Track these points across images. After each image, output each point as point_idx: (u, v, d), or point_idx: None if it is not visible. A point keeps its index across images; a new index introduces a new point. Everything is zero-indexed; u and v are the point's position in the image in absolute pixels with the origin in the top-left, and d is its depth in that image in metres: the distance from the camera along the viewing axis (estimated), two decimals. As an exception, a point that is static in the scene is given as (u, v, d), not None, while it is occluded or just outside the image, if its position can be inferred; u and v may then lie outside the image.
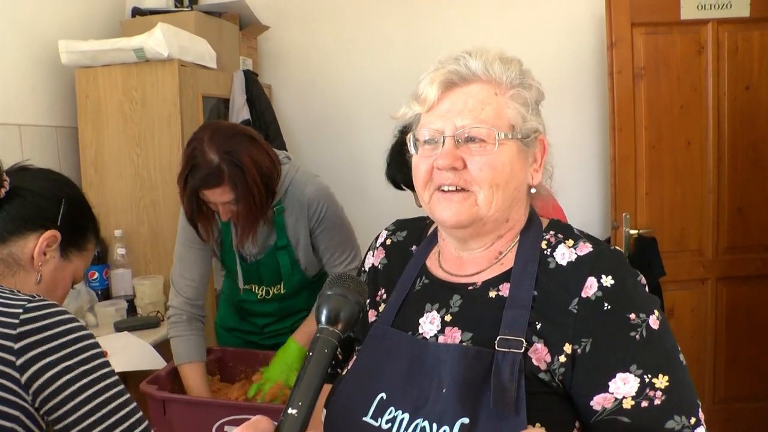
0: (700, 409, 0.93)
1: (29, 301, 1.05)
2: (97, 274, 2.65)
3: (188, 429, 1.70)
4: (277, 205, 1.95)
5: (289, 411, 0.79)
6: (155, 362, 2.15)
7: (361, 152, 3.49)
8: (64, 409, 0.99)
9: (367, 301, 1.18)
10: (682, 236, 3.11)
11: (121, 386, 1.07)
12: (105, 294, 2.67)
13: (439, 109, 1.03)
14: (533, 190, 1.07)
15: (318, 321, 0.89)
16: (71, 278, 1.30)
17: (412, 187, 2.21)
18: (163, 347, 2.30)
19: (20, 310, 1.02)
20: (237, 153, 1.77)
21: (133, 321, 2.47)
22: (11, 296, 1.07)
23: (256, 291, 2.12)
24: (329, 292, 0.92)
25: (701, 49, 3.02)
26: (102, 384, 1.04)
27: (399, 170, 2.14)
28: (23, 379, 0.98)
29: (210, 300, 2.71)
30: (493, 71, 1.02)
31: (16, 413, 0.96)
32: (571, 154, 3.33)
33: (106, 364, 1.06)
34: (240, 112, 3.00)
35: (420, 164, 1.05)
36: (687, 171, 3.08)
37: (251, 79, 3.10)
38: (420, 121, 1.06)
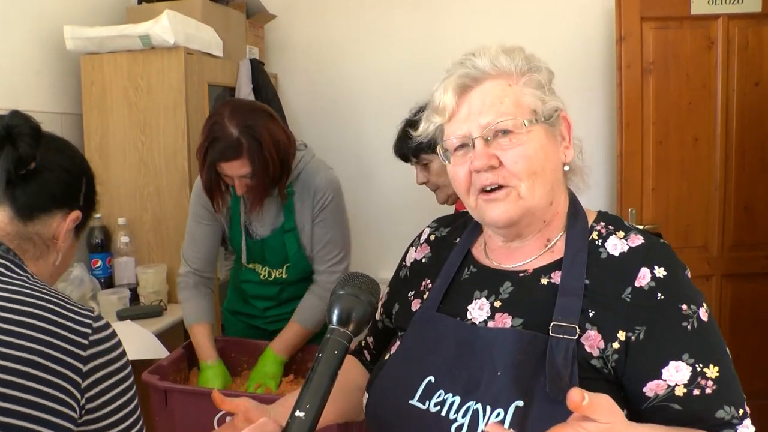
0: (745, 403, 0.95)
1: (94, 320, 1.06)
2: (100, 262, 2.64)
3: (190, 419, 1.69)
4: (288, 188, 2.00)
5: (297, 414, 0.78)
6: (158, 351, 2.14)
7: (367, 142, 3.48)
8: (101, 421, 1.04)
9: (411, 292, 1.19)
10: (687, 232, 3.10)
11: (137, 401, 1.12)
12: (108, 282, 2.66)
13: (460, 115, 1.05)
14: (566, 168, 1.09)
15: (329, 321, 0.89)
16: (73, 255, 1.29)
17: (417, 157, 2.25)
18: (165, 336, 2.30)
19: (89, 330, 1.03)
20: (256, 127, 1.83)
21: (135, 309, 2.47)
22: (75, 310, 1.05)
23: (259, 271, 2.15)
24: (341, 292, 0.91)
25: (711, 44, 3.00)
26: (132, 398, 1.09)
27: (404, 143, 2.23)
28: (83, 399, 1.01)
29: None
30: (500, 64, 1.04)
31: (65, 423, 0.98)
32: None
33: (133, 381, 1.11)
34: (245, 101, 2.98)
35: (457, 171, 1.06)
36: (694, 167, 3.07)
37: (257, 67, 3.08)
38: (444, 131, 1.08)
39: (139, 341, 2.19)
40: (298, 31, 3.59)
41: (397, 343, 1.12)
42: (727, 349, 0.97)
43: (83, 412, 1.00)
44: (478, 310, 1.05)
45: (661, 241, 1.03)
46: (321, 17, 3.55)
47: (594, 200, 3.34)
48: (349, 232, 2.13)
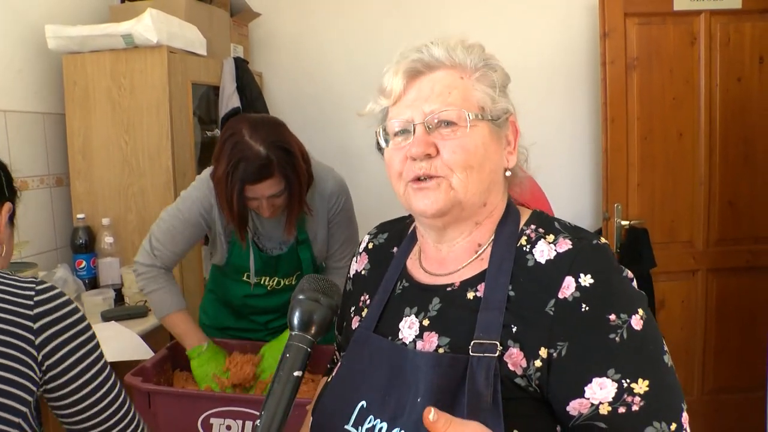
0: (684, 413, 0.90)
1: (36, 284, 1.11)
2: (84, 263, 2.63)
3: (174, 421, 1.68)
4: None
5: (257, 422, 0.79)
6: (142, 352, 2.13)
7: (351, 140, 3.47)
8: (64, 377, 1.09)
9: (352, 308, 1.17)
10: (672, 228, 3.12)
11: (113, 375, 1.18)
12: (92, 283, 2.65)
13: (406, 99, 1.01)
14: (508, 173, 1.05)
15: (290, 326, 0.88)
16: (12, 241, 1.34)
17: None
18: (150, 337, 2.29)
19: (32, 293, 1.09)
20: (284, 142, 1.77)
21: (120, 310, 2.46)
22: (16, 279, 1.11)
23: (267, 283, 2.08)
24: (301, 297, 0.91)
25: (694, 40, 3.02)
26: (92, 352, 1.14)
27: None
28: (40, 355, 1.06)
29: (198, 292, 2.69)
30: (456, 56, 1.01)
31: (27, 384, 1.04)
32: (563, 144, 3.32)
33: (99, 347, 1.17)
34: (230, 99, 2.97)
35: (393, 156, 1.02)
36: (678, 162, 3.08)
37: (241, 66, 3.07)
38: (388, 114, 1.04)
39: (124, 342, 2.17)
40: (282, 29, 3.58)
41: (338, 364, 1.10)
42: (666, 358, 0.91)
43: (43, 368, 1.06)
44: (408, 329, 1.02)
45: (595, 242, 0.96)
46: (305, 15, 3.54)
47: (579, 196, 3.36)
48: (357, 229, 2.13)
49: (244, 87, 3.04)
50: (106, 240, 2.63)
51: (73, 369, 1.09)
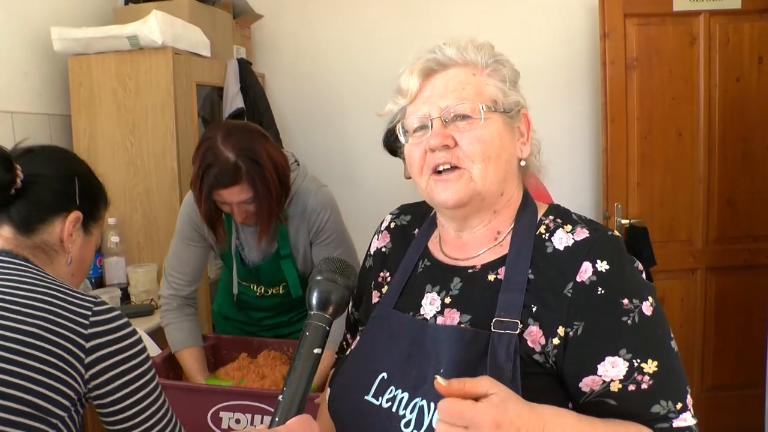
0: (688, 395, 0.95)
1: (95, 304, 1.13)
2: (90, 262, 2.65)
3: (184, 415, 1.68)
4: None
5: (279, 398, 0.82)
6: (150, 349, 2.15)
7: (353, 141, 3.50)
8: (110, 397, 1.12)
9: (371, 283, 1.21)
10: (672, 226, 3.15)
11: (162, 394, 1.20)
12: (98, 282, 2.67)
13: (422, 97, 1.07)
14: (523, 163, 1.10)
15: (309, 306, 0.92)
16: (94, 249, 1.35)
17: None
18: (157, 334, 2.31)
19: (89, 312, 1.11)
20: (254, 150, 1.76)
21: (126, 309, 2.48)
22: (78, 295, 1.13)
23: (255, 289, 2.10)
24: (318, 278, 0.95)
25: (693, 40, 3.05)
26: (145, 380, 1.16)
27: (393, 136, 2.21)
28: (87, 374, 1.09)
29: (203, 288, 2.71)
30: (467, 55, 1.07)
31: (69, 392, 1.07)
32: (564, 144, 3.35)
33: (152, 370, 1.19)
34: (234, 100, 2.99)
35: (413, 151, 1.08)
36: (678, 162, 3.11)
37: (245, 67, 3.10)
38: (406, 112, 1.10)
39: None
40: (284, 31, 3.60)
41: (357, 338, 1.14)
42: (673, 343, 0.97)
43: (90, 386, 1.09)
44: (430, 305, 1.07)
45: (609, 233, 1.03)
46: (307, 17, 3.56)
47: (580, 195, 3.38)
48: (354, 249, 2.05)
49: (248, 88, 3.07)
50: (112, 240, 2.66)
51: (120, 391, 1.11)
